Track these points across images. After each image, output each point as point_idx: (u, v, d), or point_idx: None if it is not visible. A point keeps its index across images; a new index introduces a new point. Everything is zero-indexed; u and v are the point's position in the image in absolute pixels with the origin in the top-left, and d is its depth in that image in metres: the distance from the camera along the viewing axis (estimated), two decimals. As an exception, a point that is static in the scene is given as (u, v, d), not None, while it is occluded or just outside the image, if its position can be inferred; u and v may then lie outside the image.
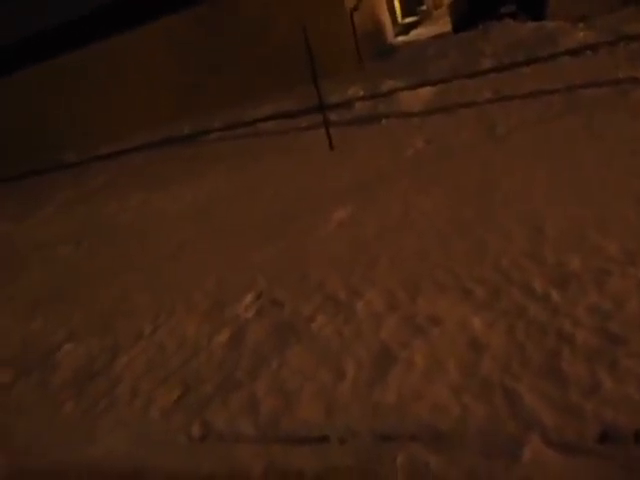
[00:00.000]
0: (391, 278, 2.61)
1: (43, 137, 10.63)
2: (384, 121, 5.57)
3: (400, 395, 1.88)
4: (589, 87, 4.57)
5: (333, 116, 5.84)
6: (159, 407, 2.21)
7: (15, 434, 2.31)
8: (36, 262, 4.50)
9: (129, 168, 7.29)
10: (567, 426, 1.59)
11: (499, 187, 3.24)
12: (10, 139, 10.98)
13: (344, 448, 1.76)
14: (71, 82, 10.40)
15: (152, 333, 2.80)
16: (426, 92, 6.13)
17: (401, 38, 12.12)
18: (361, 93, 7.03)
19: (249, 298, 2.84)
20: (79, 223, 5.34)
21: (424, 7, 17.18)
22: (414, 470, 1.62)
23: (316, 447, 1.79)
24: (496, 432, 1.65)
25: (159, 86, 9.68)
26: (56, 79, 10.43)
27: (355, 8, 8.90)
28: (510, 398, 1.74)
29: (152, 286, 3.36)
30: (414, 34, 12.27)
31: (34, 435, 2.27)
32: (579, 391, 1.69)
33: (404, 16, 15.78)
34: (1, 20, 9.98)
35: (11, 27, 10.08)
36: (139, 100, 9.88)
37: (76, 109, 10.49)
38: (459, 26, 9.36)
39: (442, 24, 11.33)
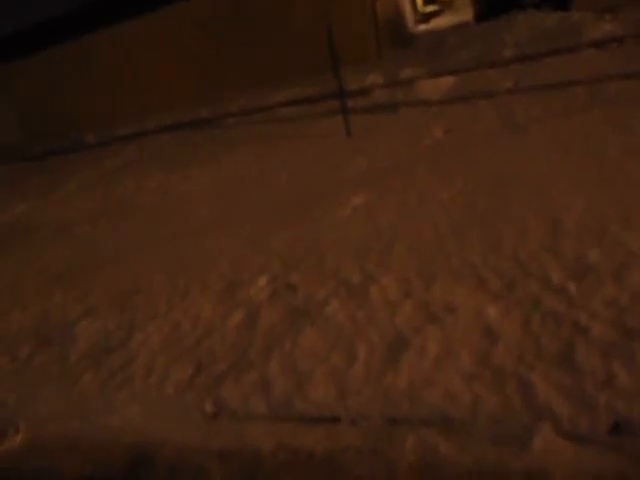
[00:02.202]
0: (406, 265, 2.61)
1: (63, 119, 10.73)
2: (402, 109, 5.52)
3: (412, 380, 1.89)
4: (614, 80, 4.47)
5: (351, 103, 5.78)
6: (173, 383, 2.25)
7: (35, 403, 2.37)
8: (57, 239, 4.57)
9: (147, 150, 7.34)
10: (579, 416, 1.59)
11: (518, 178, 3.20)
12: (33, 121, 11.10)
13: (355, 429, 1.78)
14: (91, 64, 10.46)
15: (167, 312, 2.84)
16: (446, 81, 6.05)
17: (422, 27, 11.96)
18: (380, 81, 6.96)
19: (263, 281, 2.86)
20: (98, 202, 5.40)
21: (446, -5, 16.88)
22: (423, 453, 1.63)
23: (327, 427, 1.81)
24: (507, 420, 1.65)
25: (181, 68, 9.69)
26: (77, 61, 10.49)
27: (376, -5, 8.78)
28: (523, 387, 1.74)
29: (168, 266, 3.40)
30: (435, 23, 12.09)
31: (53, 405, 2.33)
32: (593, 383, 1.68)
33: (425, 4, 15.54)
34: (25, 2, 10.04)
35: (34, 9, 10.12)
36: (160, 82, 9.90)
37: (95, 91, 10.55)
38: (481, 16, 9.22)
39: (463, 13, 11.15)
